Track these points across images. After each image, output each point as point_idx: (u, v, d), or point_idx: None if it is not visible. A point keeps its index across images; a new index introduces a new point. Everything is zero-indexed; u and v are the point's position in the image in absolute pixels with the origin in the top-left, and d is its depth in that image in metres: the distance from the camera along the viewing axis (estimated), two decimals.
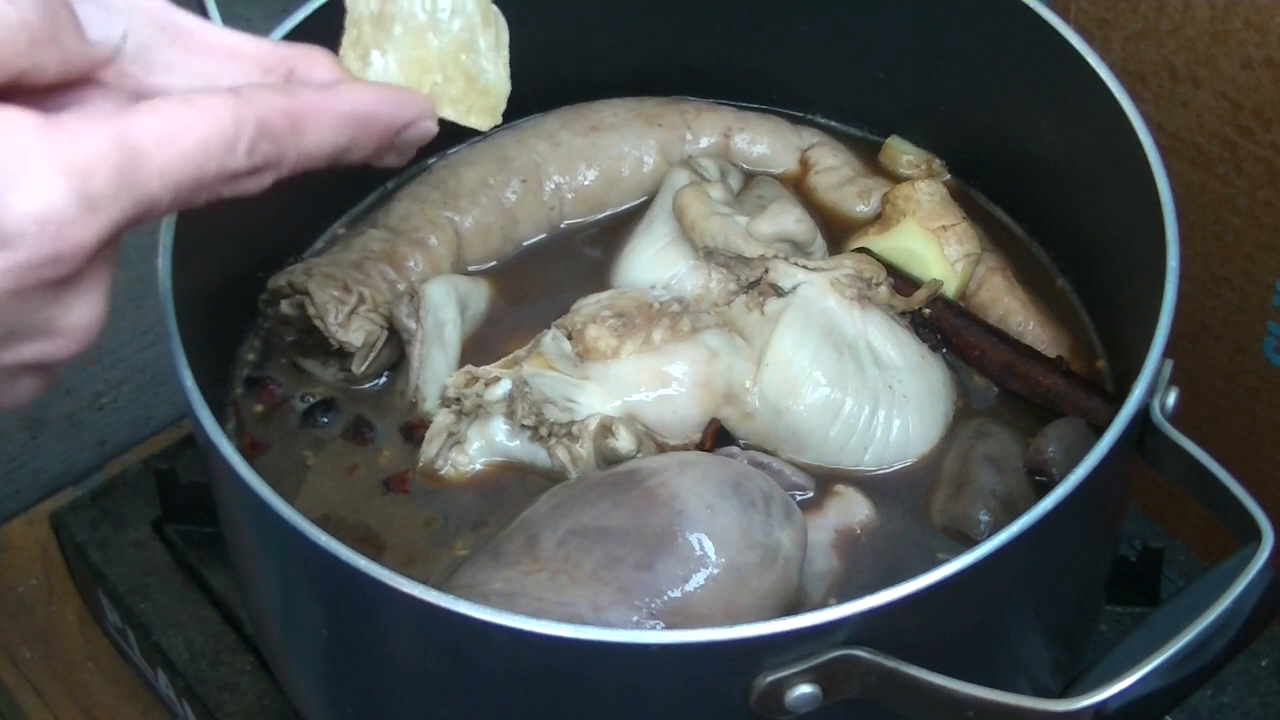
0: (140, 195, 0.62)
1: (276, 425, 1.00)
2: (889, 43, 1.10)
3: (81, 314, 0.64)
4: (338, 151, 0.70)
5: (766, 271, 0.99)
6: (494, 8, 0.78)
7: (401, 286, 1.02)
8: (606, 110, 1.12)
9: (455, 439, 0.96)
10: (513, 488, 0.96)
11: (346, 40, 0.75)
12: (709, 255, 1.01)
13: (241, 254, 1.01)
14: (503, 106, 0.79)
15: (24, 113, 0.60)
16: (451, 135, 1.14)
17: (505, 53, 0.78)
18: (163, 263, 0.88)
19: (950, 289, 1.03)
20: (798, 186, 1.12)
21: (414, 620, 0.79)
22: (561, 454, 0.95)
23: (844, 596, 0.85)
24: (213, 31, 0.72)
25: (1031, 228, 1.10)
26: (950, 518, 0.94)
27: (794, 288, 0.98)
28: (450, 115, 0.76)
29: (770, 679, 0.75)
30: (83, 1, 0.66)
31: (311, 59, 0.72)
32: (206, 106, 0.64)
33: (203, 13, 0.93)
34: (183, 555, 1.15)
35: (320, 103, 0.69)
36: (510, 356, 0.98)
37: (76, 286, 0.63)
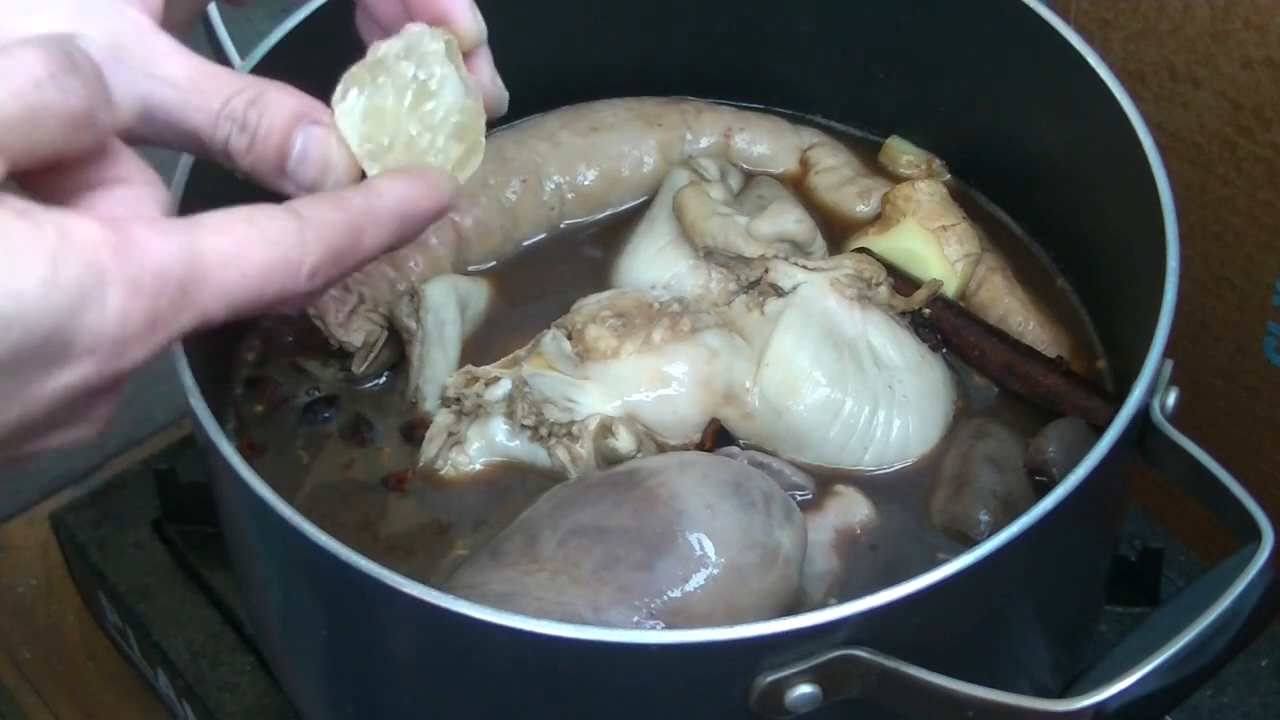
0: (197, 315, 0.64)
1: (276, 425, 1.00)
2: (889, 43, 1.10)
3: (106, 409, 0.66)
4: (386, 251, 0.73)
5: (766, 271, 0.99)
6: (482, 142, 0.79)
7: (401, 286, 1.02)
8: (606, 110, 1.12)
9: (455, 439, 0.96)
10: (513, 488, 0.96)
11: (356, 67, 0.76)
12: (709, 255, 1.01)
13: None
14: None
15: (98, 226, 0.60)
16: None
17: (459, 180, 0.79)
18: None
19: (950, 289, 1.03)
20: (798, 186, 1.12)
21: (414, 620, 0.79)
22: (561, 454, 0.95)
23: (844, 596, 0.85)
24: (177, 62, 0.71)
25: (1031, 228, 1.10)
26: (950, 518, 0.94)
27: (794, 288, 0.98)
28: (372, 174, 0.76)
29: (770, 679, 0.75)
30: (107, 62, 0.66)
31: (275, 91, 0.72)
32: (271, 230, 0.66)
33: (203, 14, 0.93)
34: (183, 555, 1.15)
35: (371, 209, 0.70)
36: (510, 356, 0.98)
37: (116, 389, 0.65)
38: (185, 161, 0.89)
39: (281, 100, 0.72)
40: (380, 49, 0.76)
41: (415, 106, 0.76)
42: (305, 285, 0.67)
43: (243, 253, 0.64)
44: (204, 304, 0.63)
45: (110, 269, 0.60)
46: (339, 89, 0.75)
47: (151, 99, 0.70)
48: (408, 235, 0.73)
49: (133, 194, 0.67)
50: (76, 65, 0.62)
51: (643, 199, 1.10)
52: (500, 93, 0.83)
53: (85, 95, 0.62)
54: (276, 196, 0.72)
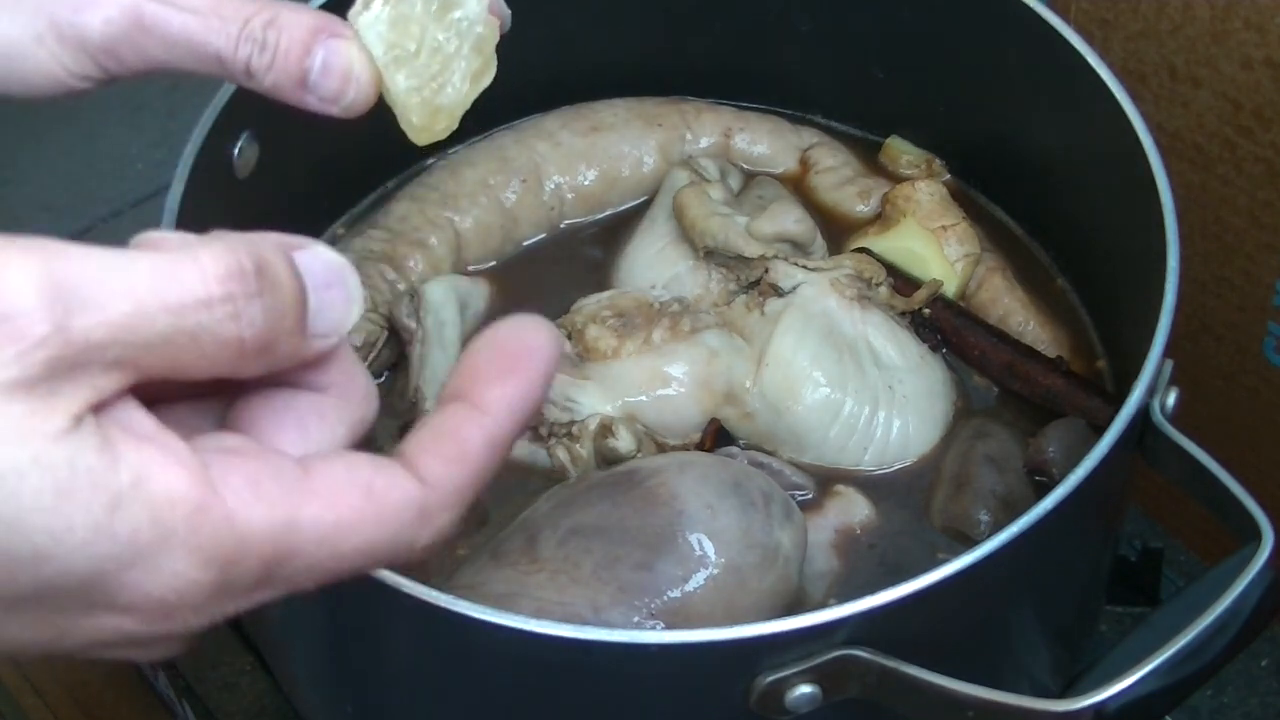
0: (278, 590, 0.56)
1: None
2: (889, 43, 1.10)
3: (176, 646, 0.58)
4: None
5: (766, 271, 0.99)
6: (495, 58, 0.79)
7: (401, 286, 1.02)
8: (606, 110, 1.12)
9: None
10: (513, 488, 0.96)
11: None
12: (709, 255, 1.01)
13: None
14: (437, 130, 0.79)
15: (184, 481, 0.52)
16: (450, 136, 1.14)
17: (474, 94, 0.79)
18: None
19: (950, 289, 1.03)
20: (798, 186, 1.12)
21: (414, 620, 0.78)
22: (561, 454, 0.95)
23: (844, 596, 0.85)
24: None
25: (1031, 228, 1.10)
26: (950, 518, 0.94)
27: (794, 288, 0.98)
28: (400, 85, 0.76)
29: (770, 679, 0.75)
30: (330, 286, 0.57)
31: (290, 10, 0.72)
32: (389, 504, 0.56)
33: None
34: None
35: (491, 440, 0.59)
36: None
37: (178, 640, 0.57)
38: (183, 170, 0.89)
39: (298, 18, 0.72)
40: None
41: (441, 15, 0.77)
42: (415, 557, 0.58)
43: (348, 530, 0.55)
44: (287, 580, 0.55)
45: (178, 533, 0.51)
46: (359, 1, 0.76)
47: (173, 27, 0.71)
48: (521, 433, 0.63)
49: (319, 409, 0.58)
50: (268, 287, 0.53)
51: (643, 199, 1.10)
52: (504, 10, 0.84)
53: (266, 327, 0.53)
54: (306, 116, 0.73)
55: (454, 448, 0.59)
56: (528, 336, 0.61)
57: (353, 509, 0.55)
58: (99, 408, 0.51)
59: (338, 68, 0.73)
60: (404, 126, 0.78)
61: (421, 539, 0.57)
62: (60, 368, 0.49)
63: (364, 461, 0.57)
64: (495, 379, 0.60)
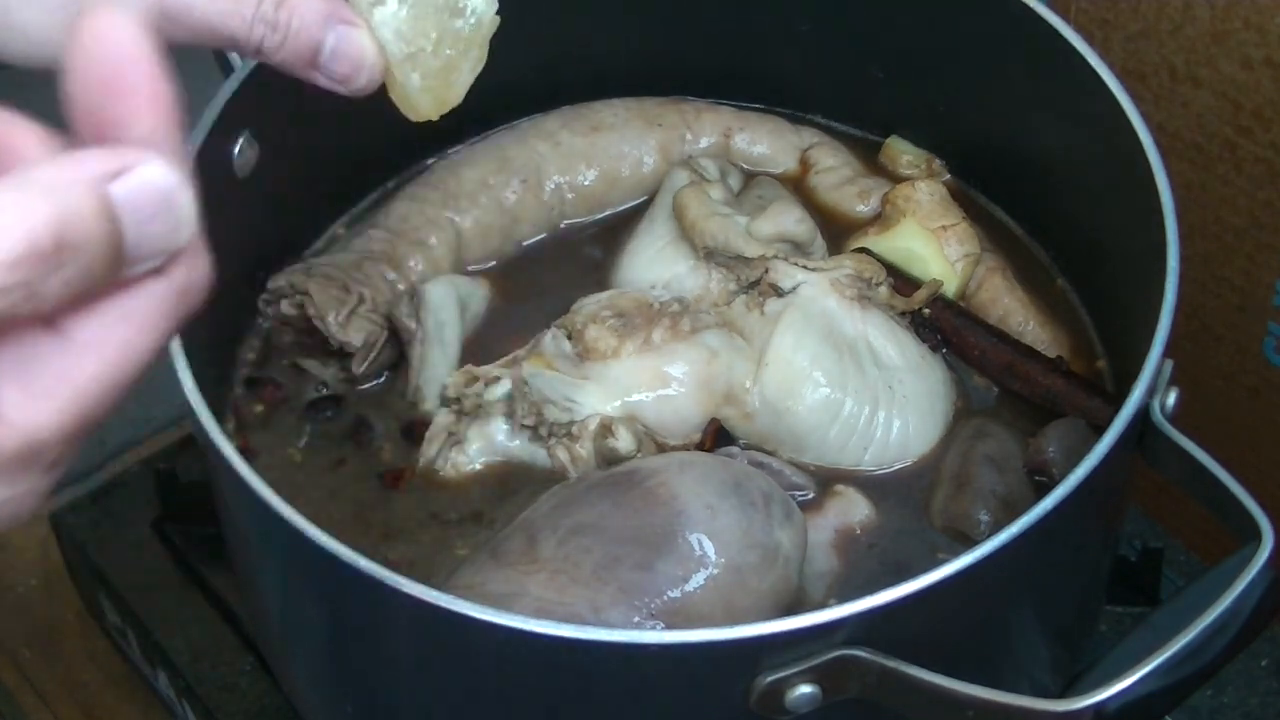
0: (91, 434, 0.56)
1: (276, 425, 1.00)
2: (889, 43, 1.10)
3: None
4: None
5: (766, 271, 0.99)
6: (488, 48, 0.83)
7: (401, 286, 1.02)
8: (606, 110, 1.12)
9: (455, 439, 0.96)
10: (513, 488, 0.96)
11: None
12: (709, 255, 1.01)
13: (241, 254, 1.01)
14: (435, 116, 0.83)
15: None
16: (451, 135, 1.14)
17: (471, 81, 0.82)
18: None
19: (950, 289, 1.03)
20: (798, 186, 1.12)
21: (414, 620, 0.79)
22: (561, 454, 0.95)
23: (844, 596, 0.85)
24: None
25: (1031, 228, 1.10)
26: (950, 518, 0.94)
27: (794, 288, 0.98)
28: (415, 83, 0.78)
29: (770, 679, 0.75)
30: (154, 219, 0.54)
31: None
32: (152, 315, 0.56)
33: None
34: (183, 555, 1.15)
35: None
36: (510, 356, 0.98)
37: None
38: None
39: (309, 2, 0.77)
40: None
41: (454, 13, 0.79)
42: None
43: (128, 361, 0.56)
44: (96, 425, 0.56)
45: None
46: None
47: (194, 15, 0.75)
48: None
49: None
50: (71, 255, 0.51)
51: (643, 199, 1.10)
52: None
53: (70, 292, 0.52)
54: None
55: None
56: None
57: (124, 341, 0.55)
58: None
59: (350, 55, 0.78)
60: (404, 110, 0.81)
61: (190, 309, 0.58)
62: None
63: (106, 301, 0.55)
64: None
